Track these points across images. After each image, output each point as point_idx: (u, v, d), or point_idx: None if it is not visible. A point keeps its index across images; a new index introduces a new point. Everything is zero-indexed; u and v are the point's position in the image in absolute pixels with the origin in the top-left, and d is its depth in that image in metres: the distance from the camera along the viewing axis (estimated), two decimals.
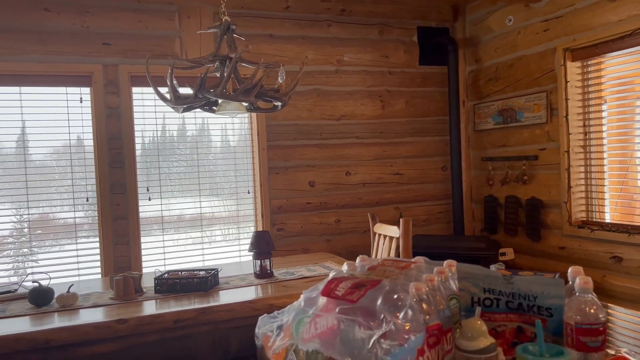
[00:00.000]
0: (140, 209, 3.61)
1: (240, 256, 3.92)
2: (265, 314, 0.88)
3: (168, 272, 2.71)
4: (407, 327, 0.78)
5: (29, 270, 3.34)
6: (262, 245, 2.77)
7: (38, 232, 3.44)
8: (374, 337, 0.75)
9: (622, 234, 3.15)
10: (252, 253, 2.80)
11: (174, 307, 2.28)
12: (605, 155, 3.40)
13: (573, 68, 3.47)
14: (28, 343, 1.95)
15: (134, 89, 3.58)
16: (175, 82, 2.33)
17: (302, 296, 0.91)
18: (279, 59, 3.79)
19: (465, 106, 4.39)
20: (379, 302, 0.81)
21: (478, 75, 4.30)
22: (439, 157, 4.43)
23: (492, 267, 1.19)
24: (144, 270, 3.57)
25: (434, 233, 4.37)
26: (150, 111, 3.64)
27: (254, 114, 3.83)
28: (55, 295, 2.41)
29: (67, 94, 3.44)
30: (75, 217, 3.51)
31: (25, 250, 3.38)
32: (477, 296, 1.00)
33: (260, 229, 3.88)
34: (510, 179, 3.98)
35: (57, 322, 2.13)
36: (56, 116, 3.41)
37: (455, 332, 0.94)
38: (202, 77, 2.26)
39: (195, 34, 3.64)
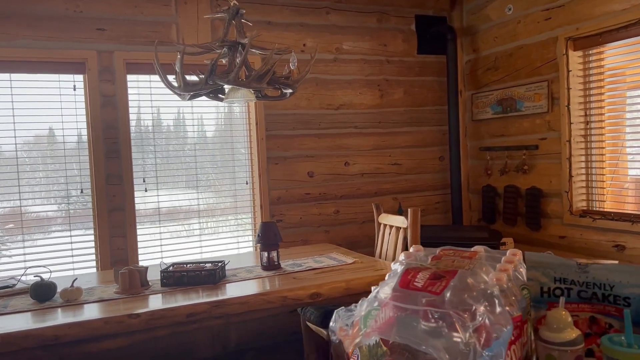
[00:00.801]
0: (136, 200, 3.51)
1: (238, 248, 3.84)
2: (342, 307, 0.83)
3: (173, 264, 2.63)
4: (500, 319, 0.74)
5: (20, 265, 3.22)
6: (269, 237, 2.71)
7: (29, 225, 3.31)
8: (469, 330, 0.71)
9: (625, 223, 3.17)
10: (259, 245, 2.74)
11: (183, 300, 2.21)
12: (604, 144, 3.42)
13: (575, 57, 3.47)
14: (37, 340, 1.87)
15: (129, 77, 3.47)
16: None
17: (376, 288, 0.86)
18: (278, 47, 3.71)
19: (462, 96, 4.37)
20: (465, 294, 0.77)
21: (476, 64, 4.28)
22: (437, 147, 4.41)
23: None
24: (140, 264, 3.47)
25: (432, 223, 4.35)
26: (146, 99, 3.53)
27: (252, 103, 3.75)
28: (59, 290, 2.32)
29: (59, 81, 3.31)
30: (69, 210, 3.40)
31: (18, 244, 3.25)
32: (547, 286, 0.96)
33: (259, 220, 3.81)
34: (509, 168, 3.98)
35: (64, 317, 2.05)
36: (49, 104, 3.28)
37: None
38: (212, 63, 2.18)
39: (192, 20, 3.54)
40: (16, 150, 3.23)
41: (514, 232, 3.96)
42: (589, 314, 0.95)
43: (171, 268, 2.54)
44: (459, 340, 0.70)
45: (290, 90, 2.41)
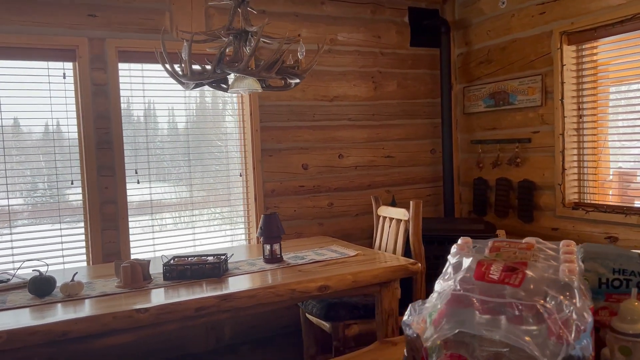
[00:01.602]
0: (128, 192, 3.42)
1: (232, 241, 3.79)
2: (420, 300, 0.80)
3: (174, 257, 2.58)
4: (582, 310, 0.73)
5: (8, 259, 3.11)
6: (272, 229, 2.68)
7: (16, 218, 3.20)
8: (558, 323, 0.69)
9: (618, 215, 3.23)
10: (261, 237, 2.70)
11: (188, 294, 2.16)
12: (597, 137, 3.47)
13: (569, 52, 3.50)
14: (44, 336, 1.80)
15: (121, 65, 3.37)
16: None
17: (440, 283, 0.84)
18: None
19: (454, 89, 4.39)
20: (544, 285, 0.75)
21: (468, 58, 4.30)
22: (429, 139, 4.42)
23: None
24: (132, 257, 3.39)
25: (424, 216, 4.35)
26: (138, 89, 3.44)
27: (245, 95, 3.69)
28: (58, 284, 2.25)
29: (48, 69, 3.19)
30: (59, 202, 3.29)
31: (6, 237, 3.14)
32: (605, 277, 0.96)
33: (252, 212, 3.76)
34: (501, 161, 4.02)
35: (68, 313, 1.98)
36: (37, 92, 3.16)
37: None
38: (221, 52, 2.13)
39: (186, 8, 3.45)
40: (3, 141, 3.11)
41: (506, 224, 4.00)
42: None
43: (172, 261, 2.49)
44: (546, 332, 0.69)
45: (296, 80, 2.37)
